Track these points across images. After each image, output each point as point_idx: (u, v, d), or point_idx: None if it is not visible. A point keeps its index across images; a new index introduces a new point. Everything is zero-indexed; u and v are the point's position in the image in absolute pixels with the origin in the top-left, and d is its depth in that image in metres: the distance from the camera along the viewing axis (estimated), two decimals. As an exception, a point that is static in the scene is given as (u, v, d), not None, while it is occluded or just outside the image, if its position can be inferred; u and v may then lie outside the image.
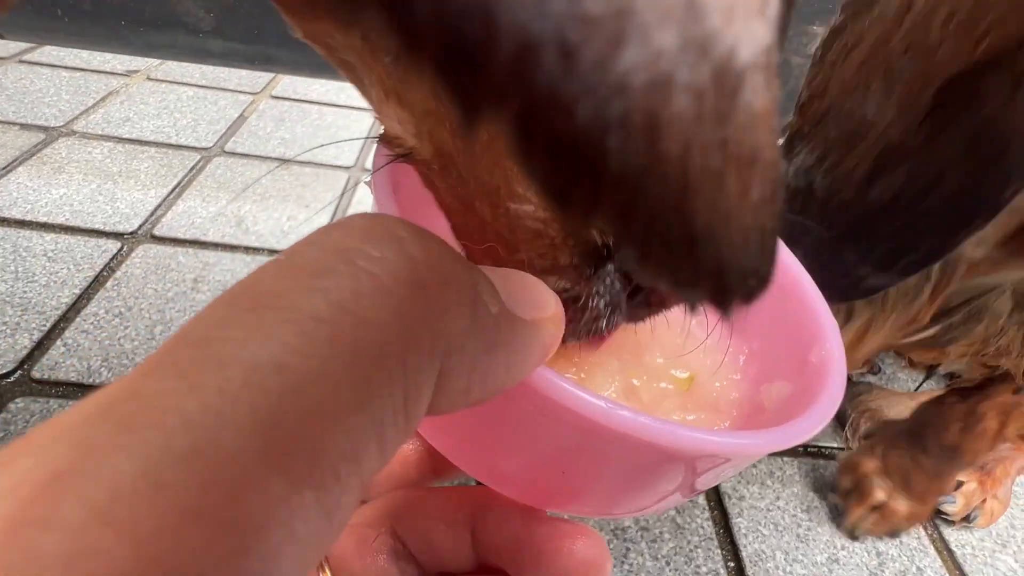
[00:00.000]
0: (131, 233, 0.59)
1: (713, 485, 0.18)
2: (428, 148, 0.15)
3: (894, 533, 0.47)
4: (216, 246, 0.60)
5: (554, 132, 0.07)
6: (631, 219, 0.07)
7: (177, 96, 0.84)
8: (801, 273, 0.21)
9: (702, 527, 0.44)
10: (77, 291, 0.52)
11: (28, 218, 0.58)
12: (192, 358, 0.10)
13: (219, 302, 0.11)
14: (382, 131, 0.16)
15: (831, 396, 0.16)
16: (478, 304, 0.11)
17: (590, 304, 0.15)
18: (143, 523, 0.08)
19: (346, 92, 0.93)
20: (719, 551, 0.43)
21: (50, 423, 0.09)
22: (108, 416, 0.09)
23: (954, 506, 0.48)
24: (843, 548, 0.46)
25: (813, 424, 0.15)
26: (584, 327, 0.16)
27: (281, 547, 0.09)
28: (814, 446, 0.52)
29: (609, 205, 0.07)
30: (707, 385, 0.20)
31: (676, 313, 0.18)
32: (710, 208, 0.08)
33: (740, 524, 0.45)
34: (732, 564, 0.43)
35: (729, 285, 0.09)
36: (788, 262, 0.21)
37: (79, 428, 0.09)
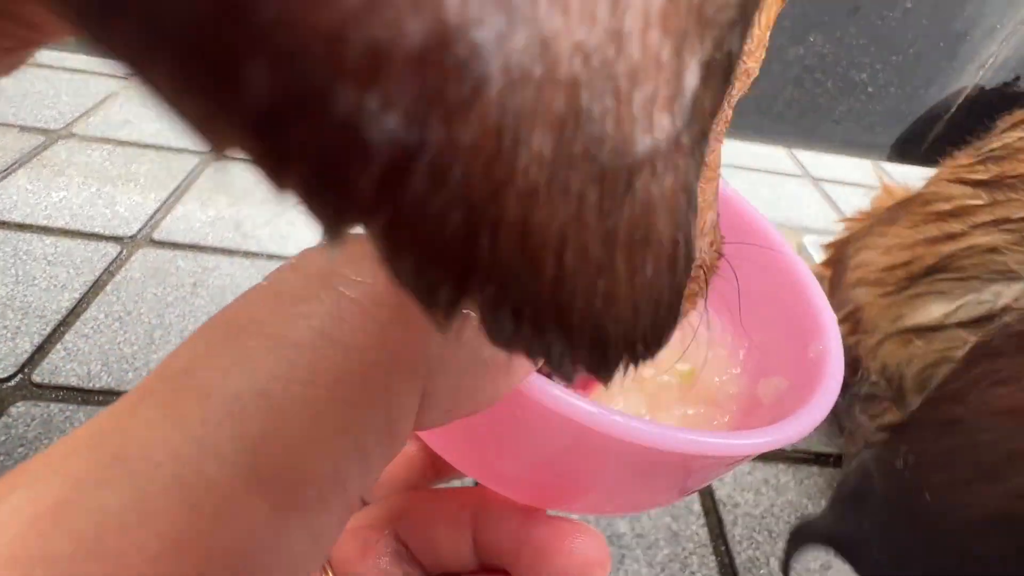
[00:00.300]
0: (130, 237, 0.59)
1: (708, 483, 0.18)
2: None
3: None
4: (215, 250, 0.60)
5: (422, 240, 0.06)
6: (500, 310, 0.07)
7: (177, 101, 0.85)
8: (801, 267, 0.20)
9: (697, 534, 0.45)
10: (77, 295, 0.52)
11: (28, 221, 0.58)
12: (176, 389, 0.10)
13: (202, 331, 0.11)
14: None
15: (826, 393, 0.16)
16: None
17: None
18: (130, 554, 0.08)
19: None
20: (714, 558, 0.43)
21: (45, 454, 0.09)
22: (97, 448, 0.09)
23: None
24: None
25: (806, 424, 0.16)
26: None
27: (269, 570, 0.09)
28: (809, 452, 0.53)
29: (478, 299, 0.07)
30: (707, 379, 0.20)
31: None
32: (589, 293, 0.07)
33: (735, 532, 0.46)
34: (727, 571, 0.43)
35: (609, 358, 0.08)
36: (789, 256, 0.21)
37: (69, 460, 0.09)
